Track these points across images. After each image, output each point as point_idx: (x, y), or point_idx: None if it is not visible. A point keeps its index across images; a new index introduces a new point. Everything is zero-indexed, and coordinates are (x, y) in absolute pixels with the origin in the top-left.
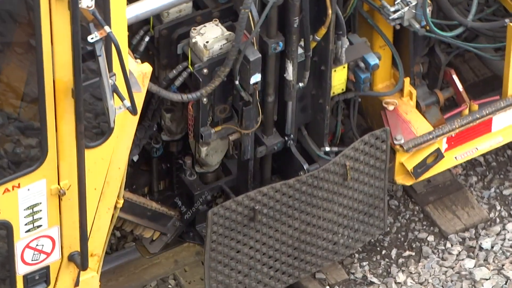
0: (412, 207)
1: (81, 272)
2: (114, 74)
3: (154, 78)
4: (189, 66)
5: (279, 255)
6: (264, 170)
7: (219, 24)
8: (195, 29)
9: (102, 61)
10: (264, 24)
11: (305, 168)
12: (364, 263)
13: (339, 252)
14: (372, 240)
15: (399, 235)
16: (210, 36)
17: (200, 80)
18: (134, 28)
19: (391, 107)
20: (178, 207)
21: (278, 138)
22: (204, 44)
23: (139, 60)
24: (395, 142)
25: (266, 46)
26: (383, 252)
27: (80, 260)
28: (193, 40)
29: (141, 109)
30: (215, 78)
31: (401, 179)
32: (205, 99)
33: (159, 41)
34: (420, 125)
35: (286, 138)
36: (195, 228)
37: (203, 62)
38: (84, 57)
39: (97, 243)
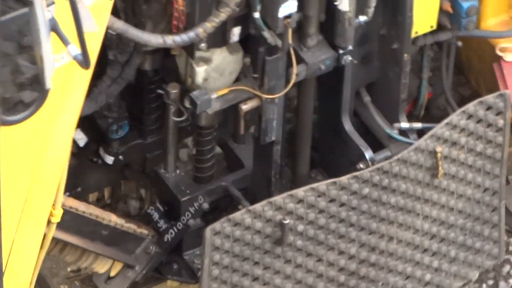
0: None
1: None
2: (53, 3)
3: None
4: None
5: None
6: (298, 161)
7: None
8: None
9: None
10: None
11: (367, 157)
12: None
13: None
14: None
15: None
16: None
17: None
18: None
19: (510, 57)
20: (153, 222)
21: (328, 51)
22: None
23: None
24: None
25: None
26: None
27: None
28: None
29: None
30: (220, 8)
31: None
32: None
33: None
34: None
35: (341, 52)
36: (182, 257)
37: None
38: None
39: (19, 282)
